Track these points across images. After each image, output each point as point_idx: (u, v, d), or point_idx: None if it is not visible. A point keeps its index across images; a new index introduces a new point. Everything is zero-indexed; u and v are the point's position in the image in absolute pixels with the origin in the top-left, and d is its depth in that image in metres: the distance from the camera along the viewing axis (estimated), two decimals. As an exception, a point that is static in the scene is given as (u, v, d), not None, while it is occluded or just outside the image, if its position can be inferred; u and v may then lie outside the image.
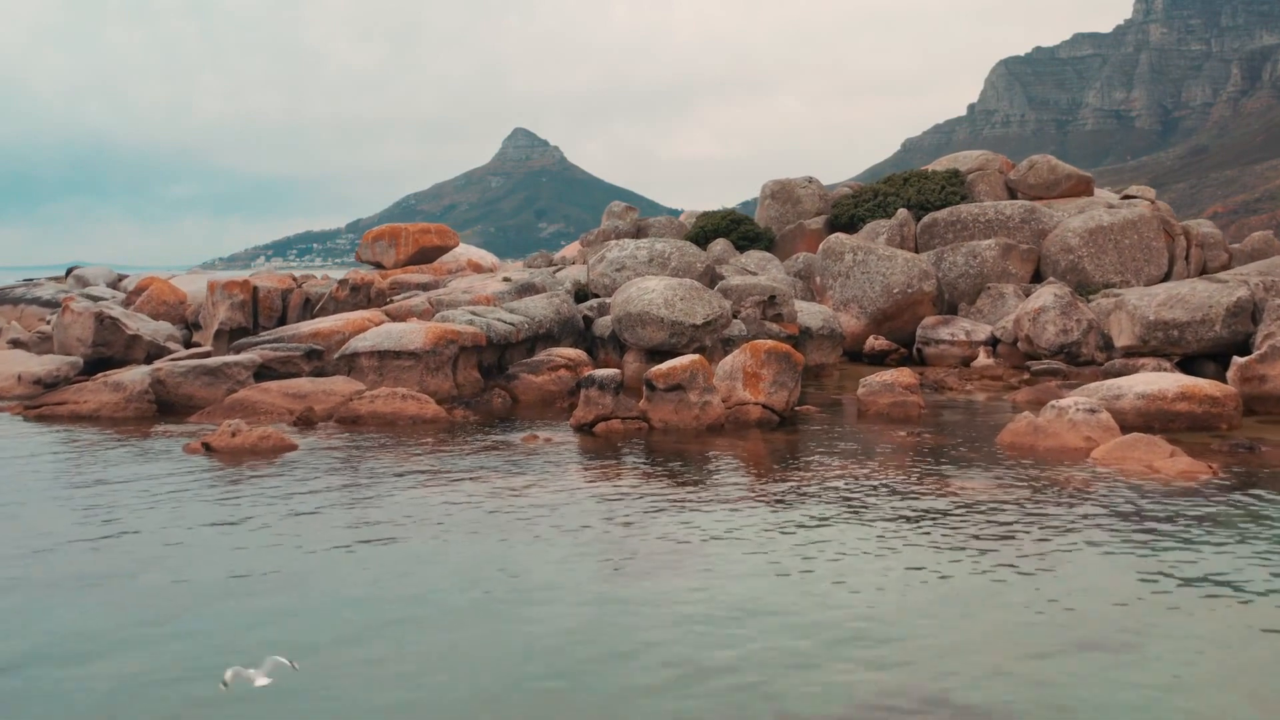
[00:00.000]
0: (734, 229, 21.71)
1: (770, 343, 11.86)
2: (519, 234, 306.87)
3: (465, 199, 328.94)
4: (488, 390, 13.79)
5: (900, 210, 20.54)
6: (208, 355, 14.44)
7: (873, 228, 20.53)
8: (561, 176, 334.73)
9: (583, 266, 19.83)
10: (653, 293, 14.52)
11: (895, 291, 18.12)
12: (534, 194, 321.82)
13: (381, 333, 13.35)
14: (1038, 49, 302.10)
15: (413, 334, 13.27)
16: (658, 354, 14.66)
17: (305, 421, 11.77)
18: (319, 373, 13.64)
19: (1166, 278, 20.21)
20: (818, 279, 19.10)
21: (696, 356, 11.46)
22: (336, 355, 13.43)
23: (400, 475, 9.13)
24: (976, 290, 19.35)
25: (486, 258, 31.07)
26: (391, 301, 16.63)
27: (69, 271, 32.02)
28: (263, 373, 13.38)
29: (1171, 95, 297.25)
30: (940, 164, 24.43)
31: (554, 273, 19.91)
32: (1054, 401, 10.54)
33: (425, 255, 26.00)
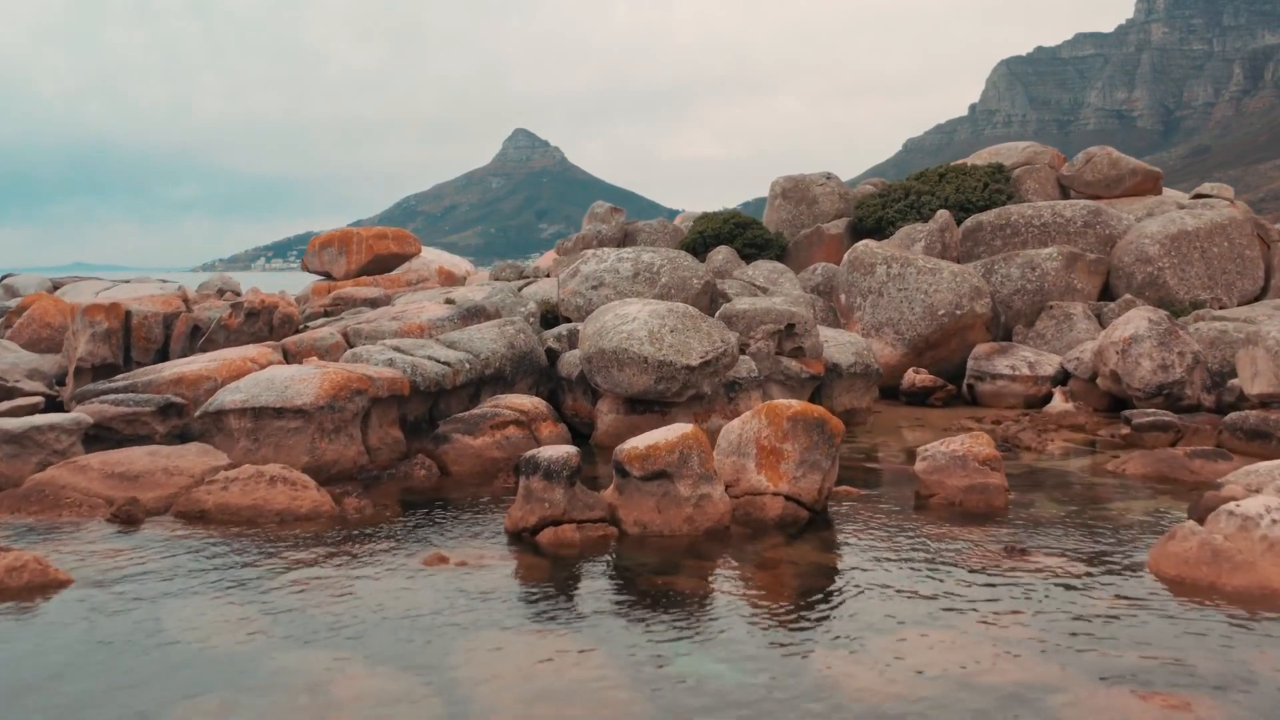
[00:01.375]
0: (739, 234, 17.98)
1: (796, 405, 8.13)
2: (519, 235, 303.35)
3: (466, 199, 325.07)
4: (410, 457, 10.10)
5: (940, 212, 16.80)
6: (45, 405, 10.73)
7: (907, 233, 16.79)
8: (562, 177, 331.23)
9: (555, 281, 16.11)
10: (634, 321, 10.81)
11: (940, 313, 14.40)
12: (534, 195, 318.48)
13: (259, 382, 9.64)
14: (1039, 49, 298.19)
15: (302, 383, 9.56)
16: (640, 403, 10.95)
17: (127, 518, 8.06)
18: (182, 436, 9.94)
19: (1263, 294, 16.50)
20: (842, 297, 15.37)
21: (689, 429, 7.73)
22: (198, 412, 9.72)
23: (180, 666, 5.42)
24: (1035, 309, 15.65)
25: (460, 265, 27.38)
26: (306, 328, 12.90)
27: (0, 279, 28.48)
28: (102, 435, 9.69)
29: (1173, 95, 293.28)
30: (980, 157, 20.70)
31: (519, 288, 16.19)
32: (1231, 506, 6.82)
33: (381, 264, 22.29)
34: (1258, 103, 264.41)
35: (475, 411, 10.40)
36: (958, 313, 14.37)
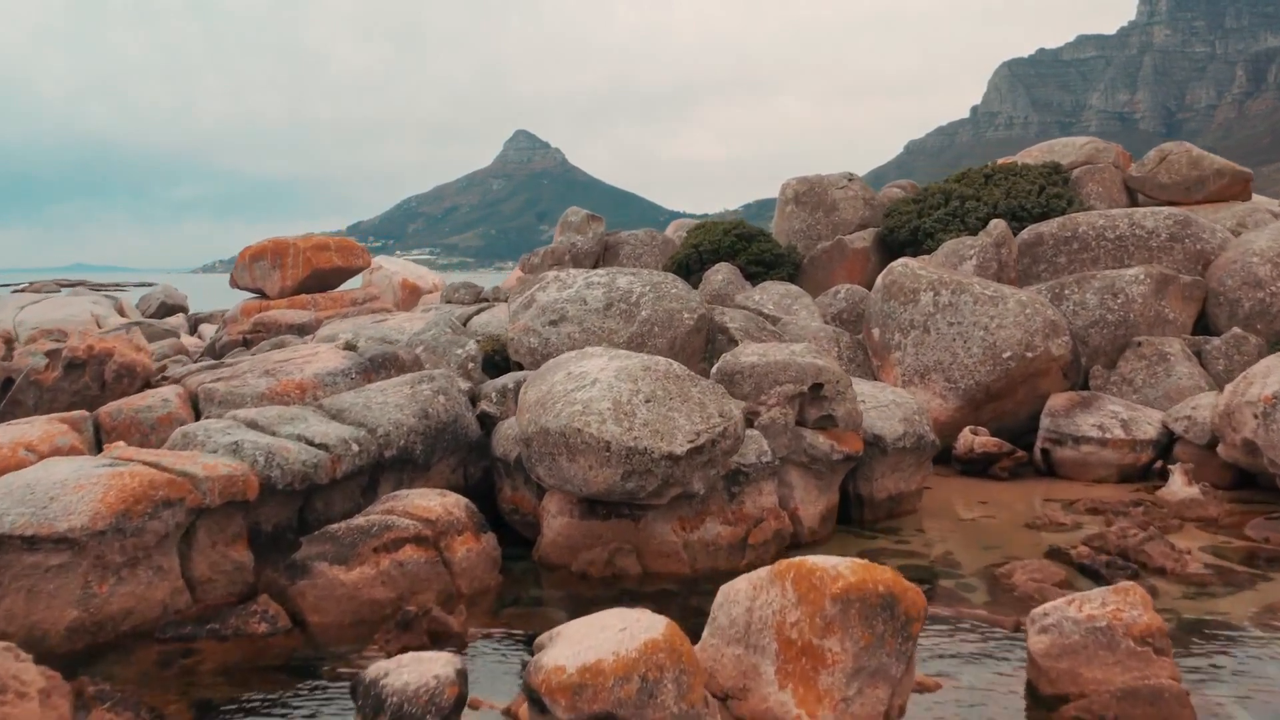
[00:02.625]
0: (742, 249, 14.51)
1: (846, 572, 4.67)
2: (520, 236, 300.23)
3: (466, 201, 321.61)
4: (255, 597, 6.68)
5: (995, 222, 13.31)
6: None
7: (953, 249, 13.30)
8: (563, 178, 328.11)
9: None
10: (594, 386, 7.37)
11: (1006, 355, 10.94)
12: (535, 196, 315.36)
13: (9, 491, 6.21)
14: (1041, 50, 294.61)
15: (76, 492, 6.14)
16: (602, 505, 7.52)
17: None
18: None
19: (1399, 325, 13.01)
20: (875, 332, 11.90)
21: (658, 632, 4.30)
22: (-84, 538, 6.29)
23: None
24: (1117, 346, 12.22)
25: (426, 277, 23.95)
26: (163, 381, 9.44)
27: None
28: None
29: (1175, 97, 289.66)
30: (1030, 155, 17.24)
31: (468, 318, 12.76)
32: None
33: (322, 280, 18.83)
34: (1260, 105, 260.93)
35: (354, 523, 6.94)
36: (1029, 355, 10.91)
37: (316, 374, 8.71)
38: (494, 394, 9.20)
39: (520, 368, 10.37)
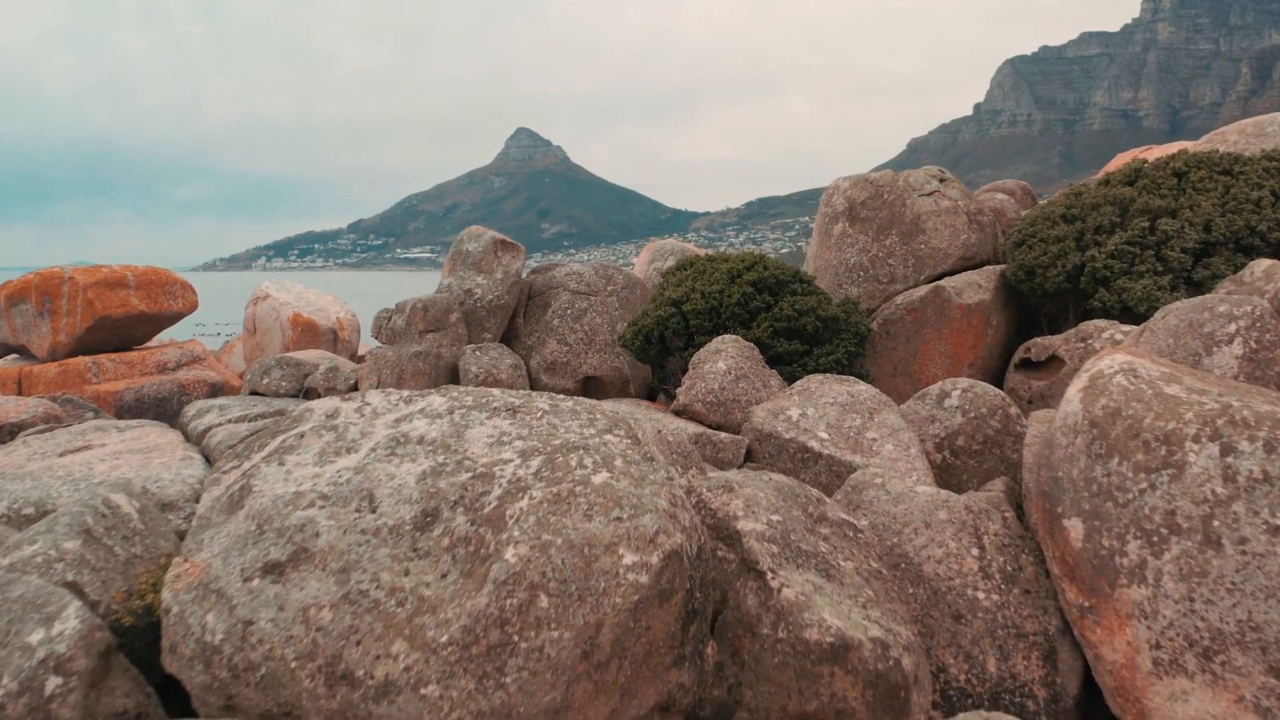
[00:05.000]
0: (764, 306, 7.79)
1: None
2: (521, 235, 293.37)
3: (468, 199, 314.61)
4: None
5: (1268, 265, 6.61)
6: None
7: (1191, 318, 6.57)
8: (565, 176, 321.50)
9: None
10: None
11: None
12: (537, 194, 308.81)
13: None
14: (1045, 48, 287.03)
15: None
16: None
17: None
18: None
19: None
20: (1072, 526, 5.17)
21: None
22: None
23: None
24: None
25: (329, 310, 17.34)
26: None
27: None
28: None
29: (1179, 95, 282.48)
30: (1221, 140, 10.45)
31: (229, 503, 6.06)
32: None
33: (115, 331, 12.06)
34: (1266, 102, 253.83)
35: None
36: None
37: None
38: None
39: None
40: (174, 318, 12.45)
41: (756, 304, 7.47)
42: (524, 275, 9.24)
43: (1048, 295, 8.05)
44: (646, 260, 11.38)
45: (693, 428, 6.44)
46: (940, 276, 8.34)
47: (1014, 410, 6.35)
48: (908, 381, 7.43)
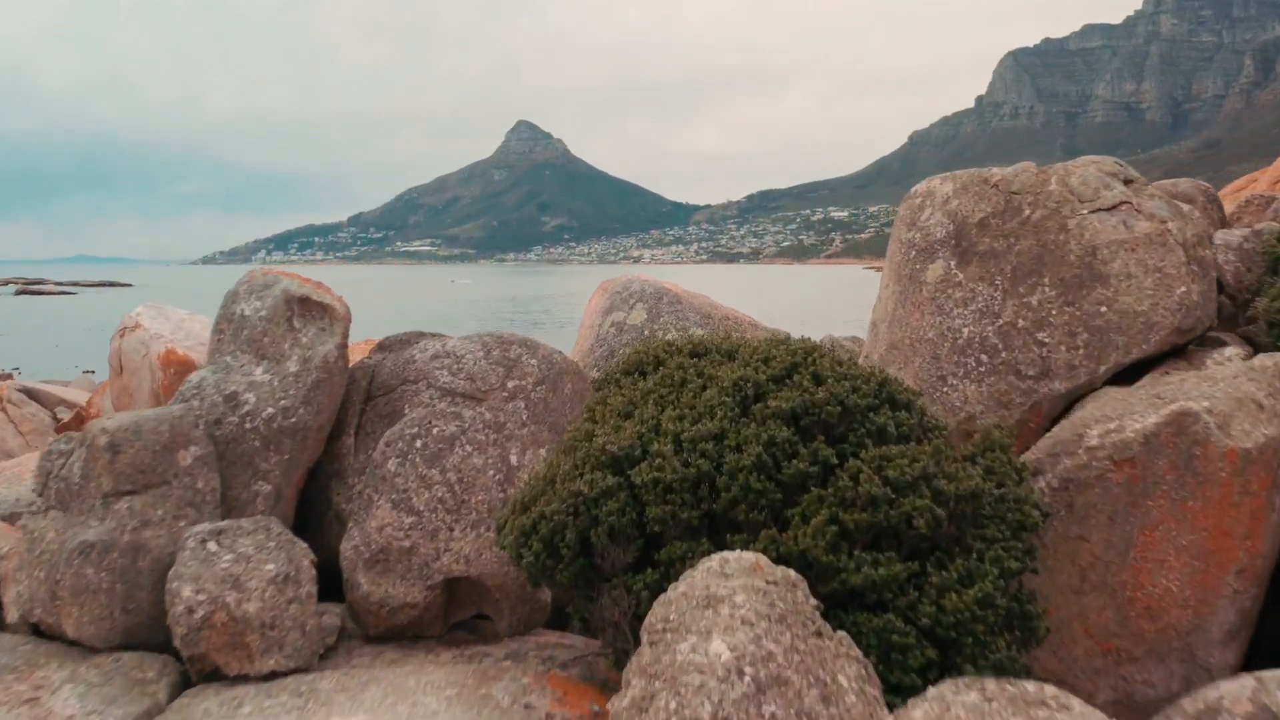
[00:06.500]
0: (814, 474, 3.53)
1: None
2: (521, 228, 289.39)
3: (468, 193, 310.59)
4: None
5: None
6: None
7: None
8: (565, 169, 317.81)
9: None
10: None
11: None
12: (537, 188, 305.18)
13: None
14: (1046, 40, 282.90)
15: None
16: None
17: None
18: None
19: None
20: None
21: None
22: None
23: None
24: None
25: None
26: None
27: None
28: None
29: (1182, 87, 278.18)
30: None
31: None
32: None
33: None
34: (1269, 95, 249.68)
35: None
36: None
37: None
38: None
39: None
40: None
41: (801, 464, 3.39)
42: (381, 343, 5.22)
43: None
44: (599, 309, 6.86)
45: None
46: (1136, 365, 4.66)
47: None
48: (1107, 604, 3.82)
